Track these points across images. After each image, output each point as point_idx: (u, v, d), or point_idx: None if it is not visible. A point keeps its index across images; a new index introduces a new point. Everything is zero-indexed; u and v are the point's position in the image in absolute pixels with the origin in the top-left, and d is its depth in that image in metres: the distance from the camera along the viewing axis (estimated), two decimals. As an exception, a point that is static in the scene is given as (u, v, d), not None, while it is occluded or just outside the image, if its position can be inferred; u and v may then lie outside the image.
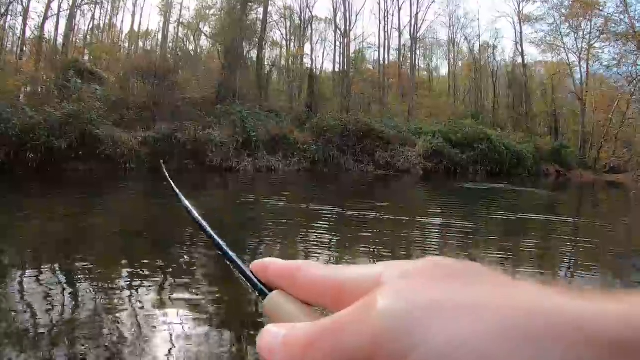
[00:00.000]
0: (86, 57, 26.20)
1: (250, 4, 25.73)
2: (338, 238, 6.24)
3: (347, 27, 32.45)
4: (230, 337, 2.80)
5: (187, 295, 3.44)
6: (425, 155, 22.16)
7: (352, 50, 34.32)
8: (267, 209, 8.65)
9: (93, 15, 29.71)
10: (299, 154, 20.04)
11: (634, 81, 27.10)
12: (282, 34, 33.77)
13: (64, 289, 3.43)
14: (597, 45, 30.12)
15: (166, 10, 30.80)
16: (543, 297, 0.18)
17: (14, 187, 10.50)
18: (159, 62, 21.91)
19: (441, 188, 16.02)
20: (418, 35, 34.65)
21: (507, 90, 35.98)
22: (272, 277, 0.28)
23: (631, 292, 0.18)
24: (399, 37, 35.23)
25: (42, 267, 4.07)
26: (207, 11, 30.15)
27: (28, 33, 23.53)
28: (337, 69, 33.81)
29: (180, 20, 30.95)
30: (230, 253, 0.32)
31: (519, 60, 35.41)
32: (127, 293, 3.41)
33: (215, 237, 0.35)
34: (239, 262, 0.31)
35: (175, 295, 3.44)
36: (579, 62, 32.13)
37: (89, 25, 30.05)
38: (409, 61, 35.48)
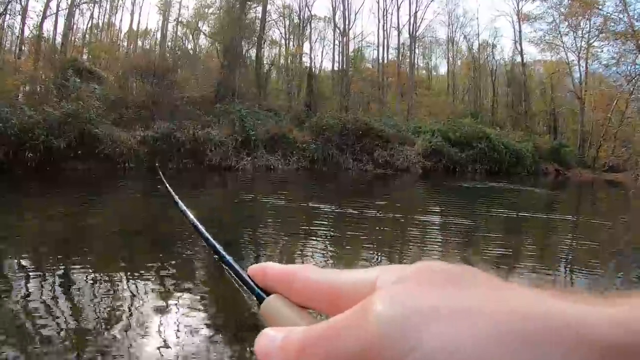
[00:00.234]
0: (85, 56, 26.13)
1: (249, 2, 25.69)
2: (337, 236, 6.24)
3: (346, 26, 32.46)
4: (229, 337, 2.80)
5: (186, 295, 3.44)
6: (424, 154, 22.15)
7: (351, 49, 34.32)
8: (267, 207, 8.65)
9: (92, 14, 29.67)
10: (298, 152, 20.02)
11: (633, 80, 27.15)
12: (281, 33, 33.79)
13: (62, 289, 3.43)
14: (596, 44, 30.14)
15: (165, 9, 30.75)
16: (538, 301, 0.18)
17: (13, 187, 10.48)
18: (158, 61, 21.85)
19: (440, 187, 16.03)
20: (417, 34, 34.64)
21: (506, 89, 35.94)
22: (269, 282, 0.28)
23: (626, 293, 0.18)
24: (398, 35, 35.20)
25: (41, 266, 4.06)
26: (206, 10, 30.15)
27: (27, 32, 23.50)
28: (336, 68, 33.78)
29: (179, 19, 30.92)
30: (228, 257, 0.32)
31: (518, 59, 35.42)
32: (126, 292, 3.41)
33: (213, 241, 0.35)
34: (236, 266, 0.31)
35: (174, 295, 3.43)
36: (578, 61, 32.13)
37: (87, 24, 30.01)
38: (408, 60, 35.46)
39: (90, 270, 3.93)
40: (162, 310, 3.09)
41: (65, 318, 2.86)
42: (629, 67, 27.04)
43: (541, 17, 32.32)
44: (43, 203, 8.17)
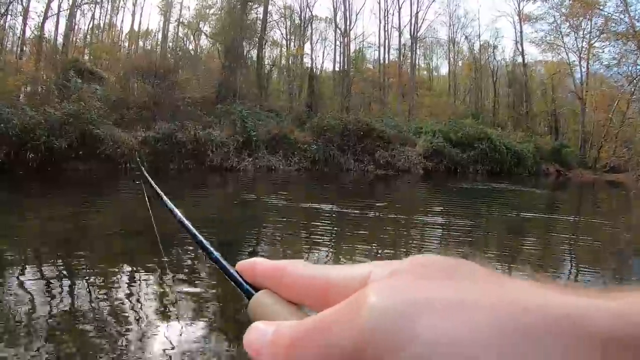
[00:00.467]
0: (86, 57, 26.19)
1: (250, 3, 25.74)
2: (338, 236, 6.24)
3: (347, 27, 32.47)
4: (229, 336, 2.80)
5: (186, 295, 3.44)
6: (425, 155, 22.16)
7: (352, 50, 34.38)
8: (268, 207, 8.65)
9: (93, 15, 29.77)
10: (299, 153, 20.03)
11: (634, 80, 27.12)
12: (282, 34, 33.85)
13: (63, 289, 3.44)
14: (597, 44, 30.16)
15: (166, 9, 30.84)
16: (538, 294, 0.18)
17: (14, 187, 10.50)
18: (159, 61, 21.89)
19: (441, 187, 16.02)
20: (418, 34, 34.66)
21: (507, 90, 35.94)
22: (259, 277, 0.27)
23: (627, 288, 0.18)
24: (399, 36, 35.26)
25: (42, 266, 4.07)
26: (207, 11, 30.24)
27: (28, 33, 23.58)
28: (337, 69, 33.85)
29: (181, 19, 31.01)
30: (215, 253, 0.32)
31: (519, 59, 35.42)
32: (126, 292, 3.42)
33: (200, 237, 0.34)
34: (224, 261, 0.30)
35: (174, 295, 3.44)
36: (579, 62, 32.12)
37: (89, 25, 30.12)
38: (409, 60, 35.46)
39: (91, 270, 3.94)
40: (162, 310, 3.10)
41: (65, 318, 2.87)
42: (630, 68, 27.05)
43: (542, 17, 32.39)
44: (44, 203, 8.18)
